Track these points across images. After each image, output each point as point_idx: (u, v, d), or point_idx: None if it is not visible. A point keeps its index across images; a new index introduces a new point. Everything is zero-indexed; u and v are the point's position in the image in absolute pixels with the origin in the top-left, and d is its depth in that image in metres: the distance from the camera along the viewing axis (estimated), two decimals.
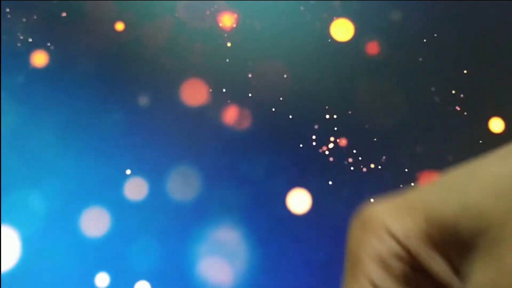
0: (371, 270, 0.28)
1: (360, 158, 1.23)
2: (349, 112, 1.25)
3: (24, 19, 1.29)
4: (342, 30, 1.26)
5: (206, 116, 1.27)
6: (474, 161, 0.27)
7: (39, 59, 1.29)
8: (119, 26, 1.30)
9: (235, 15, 1.27)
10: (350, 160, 1.22)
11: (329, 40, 1.27)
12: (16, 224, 1.20)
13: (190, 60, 1.29)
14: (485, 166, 0.27)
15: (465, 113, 1.20)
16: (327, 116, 1.25)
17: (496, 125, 1.13)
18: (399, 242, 0.28)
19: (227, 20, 1.28)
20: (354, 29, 1.26)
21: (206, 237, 1.21)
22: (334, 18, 1.27)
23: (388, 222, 0.28)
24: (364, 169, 1.22)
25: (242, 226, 1.22)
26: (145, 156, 1.25)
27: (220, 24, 1.27)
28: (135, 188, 1.23)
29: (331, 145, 1.23)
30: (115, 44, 1.29)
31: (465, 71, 1.24)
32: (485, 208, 0.25)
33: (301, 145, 1.23)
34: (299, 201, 1.21)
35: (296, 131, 1.25)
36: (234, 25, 1.27)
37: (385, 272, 0.28)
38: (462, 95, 1.21)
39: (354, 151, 1.23)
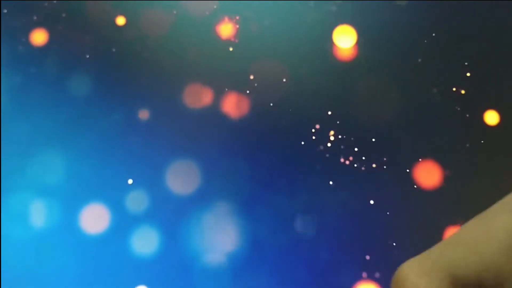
0: None
1: (363, 158, 1.23)
2: (350, 112, 1.25)
3: (24, 20, 1.30)
4: (344, 36, 1.26)
5: (207, 117, 1.27)
6: (486, 213, 0.34)
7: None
8: (120, 20, 1.30)
9: (237, 17, 1.27)
10: (351, 158, 1.22)
11: (332, 46, 1.27)
12: (17, 224, 1.21)
13: (191, 61, 1.30)
14: (497, 221, 0.32)
15: (467, 115, 1.20)
16: (329, 113, 1.25)
17: (491, 117, 1.15)
18: None
19: (227, 28, 1.28)
20: (356, 36, 1.26)
21: (208, 236, 1.21)
22: (337, 24, 1.28)
23: (418, 283, 0.33)
24: (364, 169, 1.22)
25: (242, 226, 1.22)
26: (145, 157, 1.25)
27: (221, 32, 1.28)
28: (136, 198, 1.23)
29: (330, 144, 1.23)
30: (116, 42, 1.29)
31: (468, 74, 1.24)
32: (501, 267, 0.31)
33: (302, 143, 1.23)
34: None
35: (297, 131, 1.25)
36: (235, 32, 1.27)
37: None
38: (462, 91, 1.21)
39: (355, 150, 1.23)
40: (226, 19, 1.26)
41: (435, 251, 0.34)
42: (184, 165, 1.25)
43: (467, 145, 1.20)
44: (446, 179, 1.19)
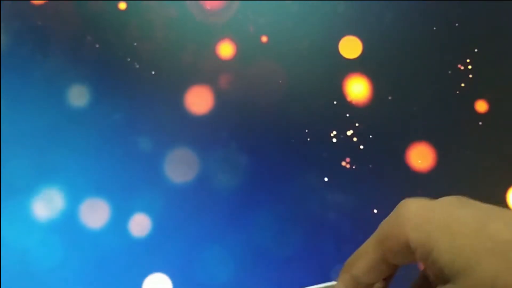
0: (382, 251, 0.40)
1: (361, 158, 1.23)
2: (348, 112, 1.25)
3: (21, 20, 1.30)
4: (350, 47, 1.26)
5: (207, 119, 1.27)
6: (480, 220, 0.35)
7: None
8: (122, 5, 1.30)
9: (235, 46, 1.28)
10: (348, 159, 1.22)
11: (337, 54, 1.27)
12: (17, 226, 1.21)
13: (191, 62, 1.30)
14: (490, 225, 0.35)
15: (461, 105, 1.23)
16: (327, 115, 1.25)
17: (481, 106, 1.25)
18: (410, 250, 0.38)
19: (226, 49, 1.29)
20: (362, 47, 1.27)
21: (209, 231, 1.22)
22: (343, 35, 1.28)
23: (409, 236, 0.38)
24: (364, 170, 1.22)
25: (243, 227, 1.22)
26: (145, 155, 1.26)
27: (220, 53, 1.28)
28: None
29: (331, 143, 1.23)
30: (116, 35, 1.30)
31: (464, 68, 1.25)
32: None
33: (293, 140, 1.23)
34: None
35: (295, 131, 1.25)
36: (234, 54, 1.28)
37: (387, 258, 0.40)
38: (462, 85, 1.23)
39: (355, 150, 1.23)
40: (225, 46, 1.27)
41: (437, 210, 0.37)
42: (184, 162, 1.25)
43: (460, 131, 1.24)
44: (440, 162, 1.22)
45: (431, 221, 0.37)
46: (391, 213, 0.41)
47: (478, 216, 0.36)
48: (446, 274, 0.35)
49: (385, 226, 0.41)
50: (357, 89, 1.26)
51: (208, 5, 1.30)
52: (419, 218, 0.37)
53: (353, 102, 1.25)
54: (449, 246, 0.35)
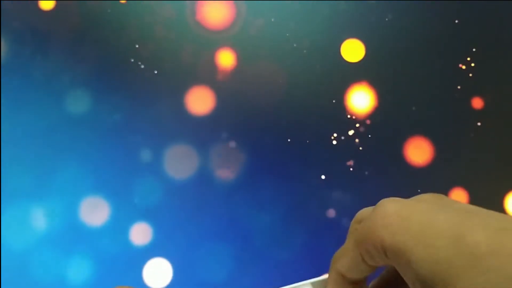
0: (361, 252, 0.40)
1: (361, 158, 1.22)
2: (349, 113, 1.25)
3: (20, 21, 1.30)
4: (352, 50, 1.26)
5: (207, 118, 1.27)
6: (457, 229, 0.35)
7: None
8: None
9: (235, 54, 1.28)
10: (351, 162, 1.22)
11: (338, 57, 1.28)
12: (17, 228, 1.21)
13: (191, 62, 1.30)
14: (467, 236, 0.35)
15: (465, 119, 1.23)
16: (327, 115, 1.25)
17: (477, 103, 1.27)
18: (386, 255, 0.38)
19: (227, 58, 1.29)
20: (365, 50, 1.27)
21: (209, 228, 1.22)
22: (345, 37, 1.28)
23: (385, 243, 0.38)
24: (364, 169, 1.22)
25: (243, 227, 1.22)
26: (144, 153, 1.26)
27: (220, 62, 1.28)
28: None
29: (331, 144, 1.23)
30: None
31: (471, 65, 1.25)
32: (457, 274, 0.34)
33: (289, 140, 1.23)
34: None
35: (296, 130, 1.25)
36: (235, 63, 1.28)
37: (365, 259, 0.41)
38: (458, 87, 1.23)
39: (355, 151, 1.23)
40: (225, 54, 1.27)
41: (414, 217, 0.37)
42: (184, 162, 1.25)
43: (462, 131, 1.24)
44: (441, 161, 1.23)
45: (407, 230, 0.36)
46: (370, 214, 0.40)
47: (456, 223, 0.35)
48: (429, 285, 0.35)
49: (362, 228, 0.40)
50: (358, 90, 1.26)
51: (210, 22, 1.30)
52: (396, 226, 0.37)
53: (354, 103, 1.25)
54: (427, 259, 0.35)
